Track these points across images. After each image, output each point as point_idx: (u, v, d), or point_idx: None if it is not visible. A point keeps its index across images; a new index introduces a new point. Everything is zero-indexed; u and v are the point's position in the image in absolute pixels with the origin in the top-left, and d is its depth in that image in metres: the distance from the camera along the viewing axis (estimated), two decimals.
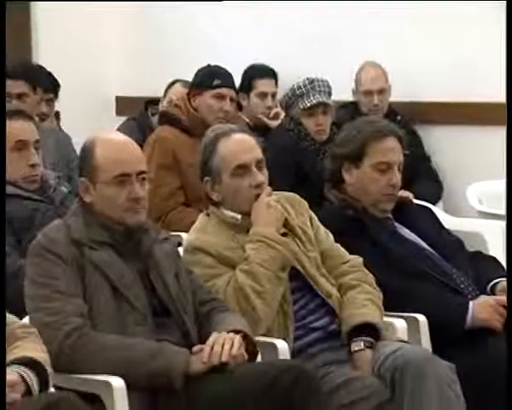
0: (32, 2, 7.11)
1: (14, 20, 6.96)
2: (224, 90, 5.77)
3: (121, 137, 3.90)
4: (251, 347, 3.61)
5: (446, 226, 4.68)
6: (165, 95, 6.52)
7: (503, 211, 6.23)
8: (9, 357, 3.22)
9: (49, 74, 6.12)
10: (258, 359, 3.69)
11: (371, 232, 4.29)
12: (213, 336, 3.56)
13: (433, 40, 6.58)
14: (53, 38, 7.12)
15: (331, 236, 4.20)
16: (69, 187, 4.68)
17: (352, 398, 3.71)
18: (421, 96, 6.65)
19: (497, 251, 5.36)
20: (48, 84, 6.06)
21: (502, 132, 6.46)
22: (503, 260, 4.85)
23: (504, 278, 4.34)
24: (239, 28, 6.99)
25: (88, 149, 3.73)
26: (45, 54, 7.01)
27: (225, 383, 3.47)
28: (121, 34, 7.34)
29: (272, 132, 6.27)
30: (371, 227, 4.31)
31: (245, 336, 3.60)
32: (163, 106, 6.33)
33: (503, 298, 4.20)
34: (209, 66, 5.98)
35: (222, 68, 5.95)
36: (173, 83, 6.48)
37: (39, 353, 3.27)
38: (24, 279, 3.66)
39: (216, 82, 5.78)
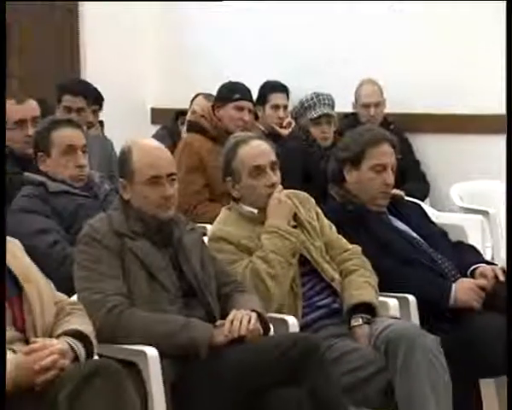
0: (80, 24, 7.09)
1: (64, 36, 6.97)
2: (243, 103, 5.79)
3: (154, 143, 3.90)
4: (263, 324, 3.61)
5: (433, 220, 4.68)
6: (190, 106, 6.52)
7: (480, 207, 6.27)
8: (60, 330, 3.23)
9: (95, 89, 6.14)
10: (272, 332, 3.68)
11: (369, 224, 4.28)
12: (233, 313, 3.56)
13: (422, 63, 6.56)
14: (98, 58, 7.12)
15: (334, 227, 4.20)
16: (111, 185, 4.68)
17: (351, 366, 3.73)
18: (412, 109, 6.64)
19: (476, 241, 5.36)
20: (94, 97, 6.07)
21: (480, 140, 6.50)
22: (481, 249, 4.85)
23: (482, 264, 4.33)
24: (255, 50, 6.99)
25: (125, 154, 3.74)
26: (91, 71, 7.01)
27: (244, 353, 3.47)
28: (156, 54, 7.35)
29: (284, 139, 6.26)
30: (369, 220, 4.30)
31: (259, 315, 3.60)
32: (189, 116, 6.35)
33: (482, 281, 4.20)
34: (230, 82, 6.00)
35: (241, 84, 5.98)
36: (196, 96, 6.49)
37: (86, 326, 3.27)
38: (72, 264, 3.67)
39: (236, 96, 5.81)
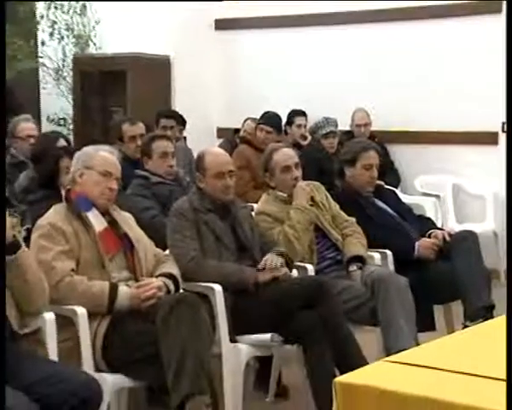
0: (172, 71, 7.08)
1: (160, 79, 6.99)
2: (262, 126, 5.94)
3: (219, 150, 3.90)
4: (290, 264, 3.61)
5: (403, 201, 4.64)
6: (242, 126, 6.52)
7: (434, 192, 6.24)
8: (158, 272, 3.23)
9: (181, 115, 6.14)
10: (296, 275, 3.66)
11: (360, 204, 4.24)
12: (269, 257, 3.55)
13: (395, 98, 6.49)
14: (183, 94, 7.10)
15: (337, 205, 4.16)
16: (190, 178, 4.68)
17: (349, 297, 3.69)
18: (389, 127, 6.58)
19: (431, 215, 5.35)
20: (180, 120, 6.08)
21: (434, 148, 6.44)
22: (434, 220, 4.81)
23: (435, 230, 4.28)
24: (286, 86, 6.93)
25: (201, 157, 3.72)
26: (179, 103, 6.98)
27: (278, 288, 3.46)
28: (219, 92, 7.30)
29: (304, 148, 6.24)
30: (360, 201, 4.26)
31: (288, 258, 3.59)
32: (241, 133, 6.38)
33: (435, 241, 4.15)
34: (264, 112, 6.11)
35: (269, 113, 6.07)
36: (246, 119, 6.49)
37: (174, 270, 3.29)
38: (166, 230, 3.66)
39: (260, 121, 5.99)
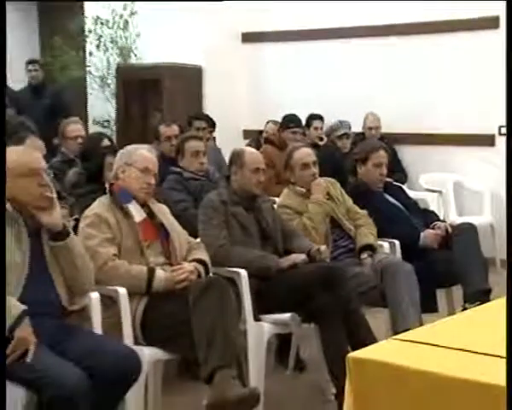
0: (203, 78, 7.06)
1: (192, 85, 6.98)
2: (296, 130, 5.85)
3: (255, 150, 3.89)
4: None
5: (409, 195, 4.60)
6: (265, 128, 6.49)
7: (437, 188, 6.19)
8: (190, 258, 3.21)
9: (211, 118, 6.12)
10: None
11: (371, 198, 4.20)
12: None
13: (403, 103, 6.44)
14: (212, 99, 7.09)
15: (351, 199, 4.13)
16: (220, 174, 4.67)
17: (360, 281, 3.66)
18: (397, 130, 6.52)
19: (434, 208, 5.30)
20: (210, 122, 6.07)
21: (437, 148, 6.39)
22: (437, 212, 4.77)
23: (438, 222, 4.22)
24: (305, 92, 6.89)
25: (240, 153, 3.69)
26: (209, 107, 6.97)
27: (298, 273, 3.44)
28: (245, 97, 7.27)
29: (321, 148, 6.20)
30: (371, 196, 4.22)
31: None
32: (264, 135, 6.36)
33: (438, 232, 4.11)
34: (290, 114, 6.06)
35: (295, 115, 5.99)
36: (268, 122, 6.46)
37: (204, 256, 3.27)
38: (197, 220, 3.65)
39: (291, 125, 5.89)
